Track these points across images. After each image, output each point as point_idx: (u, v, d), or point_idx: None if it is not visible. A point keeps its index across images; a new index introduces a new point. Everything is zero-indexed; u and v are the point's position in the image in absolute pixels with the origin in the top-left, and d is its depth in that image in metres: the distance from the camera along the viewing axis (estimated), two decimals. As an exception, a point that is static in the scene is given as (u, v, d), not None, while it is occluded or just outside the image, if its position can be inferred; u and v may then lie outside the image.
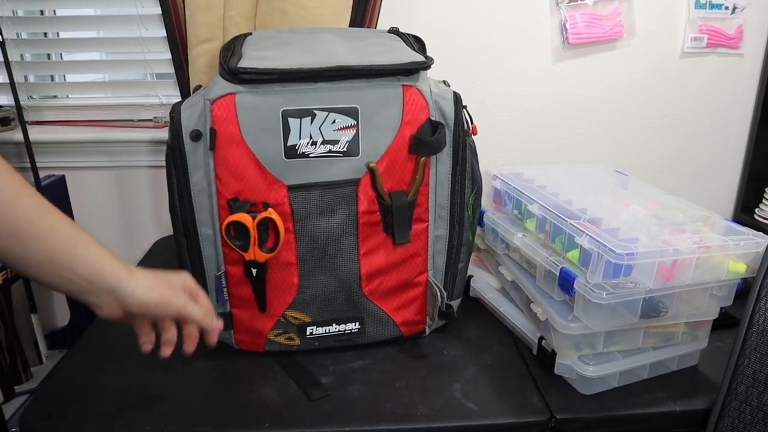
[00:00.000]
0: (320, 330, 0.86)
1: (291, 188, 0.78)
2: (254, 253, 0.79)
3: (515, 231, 0.92)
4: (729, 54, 1.22)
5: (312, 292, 0.84)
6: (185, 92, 1.11)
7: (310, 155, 0.77)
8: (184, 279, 0.70)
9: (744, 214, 1.29)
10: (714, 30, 1.19)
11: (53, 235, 0.58)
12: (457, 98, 0.81)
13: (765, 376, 0.70)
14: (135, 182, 1.27)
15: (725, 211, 1.35)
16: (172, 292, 0.66)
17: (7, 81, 1.10)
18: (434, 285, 0.87)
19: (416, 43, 0.88)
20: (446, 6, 1.14)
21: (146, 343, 0.69)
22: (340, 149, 0.77)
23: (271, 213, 0.77)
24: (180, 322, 0.68)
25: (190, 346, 0.70)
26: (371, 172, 0.78)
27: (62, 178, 1.21)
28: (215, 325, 0.71)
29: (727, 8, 1.17)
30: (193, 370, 0.84)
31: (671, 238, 0.78)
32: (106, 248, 0.62)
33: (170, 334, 0.69)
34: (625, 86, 1.23)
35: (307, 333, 0.85)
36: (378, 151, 0.78)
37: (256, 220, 0.77)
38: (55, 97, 1.28)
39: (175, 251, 0.84)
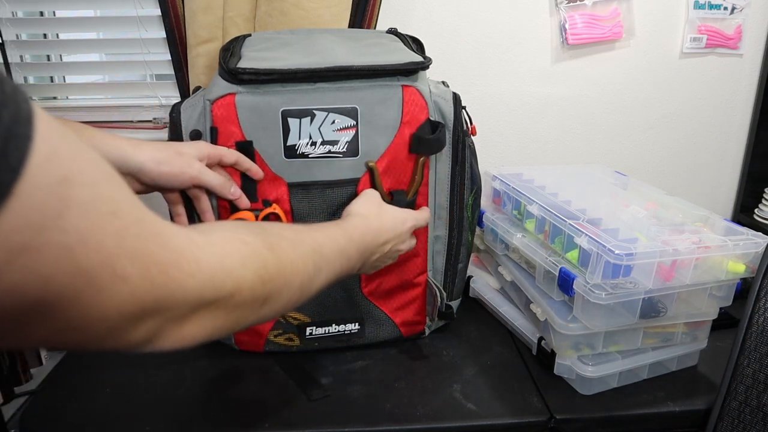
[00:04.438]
0: (320, 330, 0.86)
1: (291, 186, 0.78)
2: None
3: (514, 231, 0.92)
4: (728, 54, 1.22)
5: (311, 292, 0.83)
6: (185, 93, 1.11)
7: (310, 155, 0.77)
8: (199, 147, 0.70)
9: (743, 214, 1.29)
10: (713, 30, 1.19)
11: None
12: (456, 99, 0.81)
13: (764, 376, 0.70)
14: (135, 183, 1.27)
15: (725, 211, 1.35)
16: (183, 161, 0.68)
17: (7, 82, 1.10)
18: (434, 285, 0.87)
19: (414, 44, 0.88)
20: (446, 6, 1.14)
21: (179, 216, 0.74)
22: (340, 150, 0.77)
23: (276, 208, 0.77)
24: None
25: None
26: (370, 171, 0.78)
27: (62, 179, 1.20)
28: (233, 193, 0.73)
29: (726, 8, 1.17)
30: (193, 370, 0.84)
31: (670, 238, 0.78)
32: (101, 131, 0.64)
33: (202, 203, 0.73)
34: (624, 87, 1.23)
35: (307, 333, 0.85)
36: (377, 151, 0.78)
37: (260, 216, 0.77)
38: (54, 98, 1.28)
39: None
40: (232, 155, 0.73)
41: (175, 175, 0.67)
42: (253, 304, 0.44)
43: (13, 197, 0.24)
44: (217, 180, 0.71)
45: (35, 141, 0.26)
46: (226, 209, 0.78)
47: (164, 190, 0.71)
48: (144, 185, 0.68)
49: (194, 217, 0.76)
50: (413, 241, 0.78)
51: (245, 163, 0.74)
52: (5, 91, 0.25)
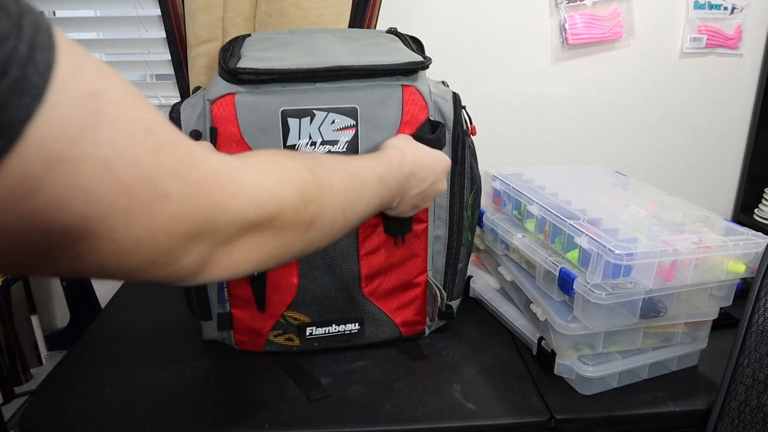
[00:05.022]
0: (320, 330, 0.86)
1: None
2: None
3: (515, 231, 0.92)
4: (728, 54, 1.22)
5: (312, 292, 0.84)
6: (185, 93, 1.11)
7: (310, 156, 0.77)
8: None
9: (743, 214, 1.29)
10: (713, 30, 1.19)
11: None
12: (456, 98, 0.81)
13: (764, 376, 0.70)
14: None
15: (724, 211, 1.35)
16: None
17: (7, 82, 1.10)
18: (434, 285, 0.87)
19: (414, 44, 0.88)
20: (446, 6, 1.14)
21: None
22: (340, 150, 0.77)
23: None
24: None
25: None
26: (370, 172, 0.78)
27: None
28: None
29: (726, 8, 1.18)
30: (193, 370, 0.84)
31: (671, 238, 0.78)
32: None
33: None
34: (624, 87, 1.23)
35: (307, 333, 0.86)
36: (377, 152, 0.78)
37: None
38: (54, 98, 1.28)
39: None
40: None
41: None
42: (298, 227, 0.43)
43: (46, 104, 0.25)
44: None
45: (59, 52, 0.26)
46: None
47: None
48: None
49: None
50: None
51: None
52: (20, 4, 0.25)
